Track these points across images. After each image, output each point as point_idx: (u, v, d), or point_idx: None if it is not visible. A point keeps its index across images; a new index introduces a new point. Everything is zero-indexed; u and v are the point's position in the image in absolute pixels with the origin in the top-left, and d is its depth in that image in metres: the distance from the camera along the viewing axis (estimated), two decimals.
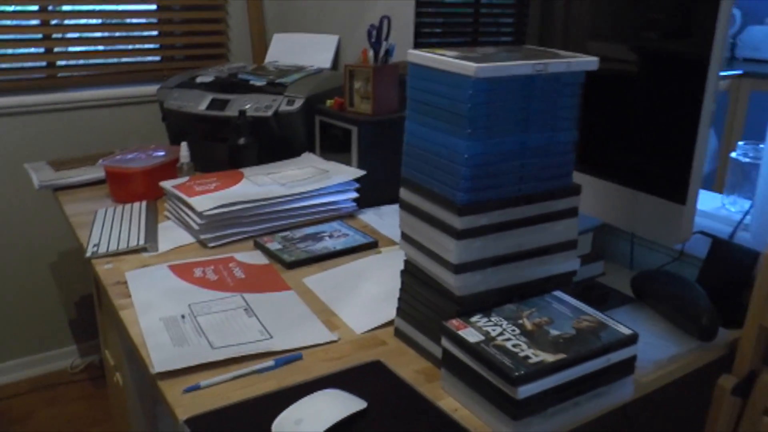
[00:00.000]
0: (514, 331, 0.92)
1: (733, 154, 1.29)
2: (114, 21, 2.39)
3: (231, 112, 1.79)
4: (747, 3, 3.09)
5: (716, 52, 0.97)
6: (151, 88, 2.38)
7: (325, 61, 2.19)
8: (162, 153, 1.80)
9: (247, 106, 1.78)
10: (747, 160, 1.27)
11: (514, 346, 0.88)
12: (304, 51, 2.26)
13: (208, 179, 1.57)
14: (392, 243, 1.44)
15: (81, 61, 2.38)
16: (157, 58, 2.50)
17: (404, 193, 1.04)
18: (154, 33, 2.48)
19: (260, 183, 1.55)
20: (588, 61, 0.95)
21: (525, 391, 0.83)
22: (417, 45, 1.51)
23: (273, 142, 1.79)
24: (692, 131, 1.00)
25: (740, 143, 1.29)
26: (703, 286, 1.19)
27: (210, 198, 1.44)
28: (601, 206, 1.16)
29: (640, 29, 1.08)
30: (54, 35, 2.30)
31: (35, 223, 2.36)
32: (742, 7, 3.12)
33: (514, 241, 0.97)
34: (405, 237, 1.05)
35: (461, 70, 0.88)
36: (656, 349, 1.09)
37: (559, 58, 0.93)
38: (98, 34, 2.39)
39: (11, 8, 2.20)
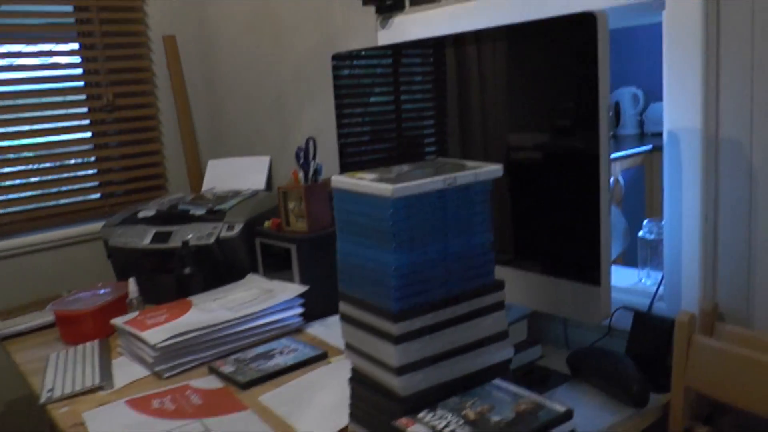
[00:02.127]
0: (458, 422, 0.99)
1: (640, 233, 1.42)
2: (52, 164, 2.46)
3: (174, 243, 1.86)
4: (647, 83, 3.35)
5: (603, 145, 1.09)
6: (94, 226, 2.43)
7: (259, 182, 2.30)
8: (110, 290, 1.84)
9: (189, 236, 1.86)
10: (652, 236, 1.39)
11: None
12: (239, 174, 2.37)
13: (158, 312, 1.62)
14: (340, 352, 1.50)
15: (21, 207, 2.43)
16: (97, 196, 2.57)
17: (343, 307, 1.11)
18: (93, 171, 2.56)
19: (208, 309, 1.61)
20: (493, 170, 1.06)
21: None
22: (343, 163, 1.62)
23: (217, 268, 1.86)
24: (595, 218, 1.12)
25: (645, 222, 1.42)
26: (632, 356, 1.28)
27: (161, 330, 1.49)
28: (529, 295, 1.26)
29: (541, 126, 1.21)
30: None
31: None
32: (644, 87, 3.38)
33: (448, 339, 1.05)
34: (349, 347, 1.12)
35: (380, 192, 0.98)
36: (596, 420, 1.17)
37: (466, 170, 1.04)
38: (36, 179, 2.45)
39: None
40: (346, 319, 1.11)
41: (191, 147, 2.68)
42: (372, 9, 1.84)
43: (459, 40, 1.33)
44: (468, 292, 1.07)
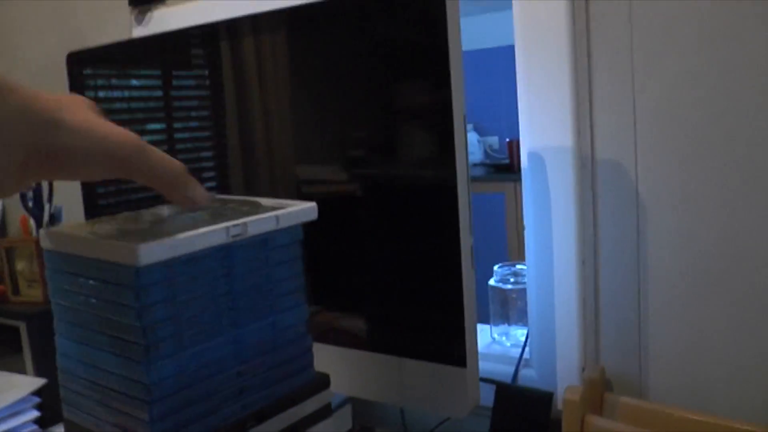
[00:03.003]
0: None
1: (492, 281, 1.11)
2: None
3: None
4: None
5: (461, 170, 0.76)
6: None
7: None
8: None
9: None
10: (508, 286, 1.09)
11: None
12: None
13: None
14: None
15: None
16: None
17: None
18: None
19: None
20: (303, 211, 0.68)
21: None
22: (88, 206, 1.17)
23: None
24: (454, 270, 0.78)
25: (496, 268, 1.11)
26: None
27: None
28: (357, 381, 0.89)
29: (371, 146, 0.85)
30: None
31: None
32: None
33: None
34: None
35: (119, 256, 0.56)
36: None
37: (262, 212, 0.66)
38: None
39: None
40: None
41: None
42: (124, 3, 1.41)
43: (234, 27, 0.95)
44: (277, 401, 0.68)
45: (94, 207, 1.18)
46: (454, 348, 0.79)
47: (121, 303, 0.57)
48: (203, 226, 0.60)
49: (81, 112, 0.49)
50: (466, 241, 0.78)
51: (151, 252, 0.55)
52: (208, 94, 1.02)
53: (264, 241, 0.65)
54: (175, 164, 0.53)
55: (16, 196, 1.69)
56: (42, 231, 0.65)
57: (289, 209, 0.67)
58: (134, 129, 0.51)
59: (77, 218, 1.33)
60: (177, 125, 1.08)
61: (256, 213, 0.66)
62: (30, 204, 1.23)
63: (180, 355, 0.59)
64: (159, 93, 1.11)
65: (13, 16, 1.74)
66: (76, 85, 1.16)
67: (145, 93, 1.14)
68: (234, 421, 0.64)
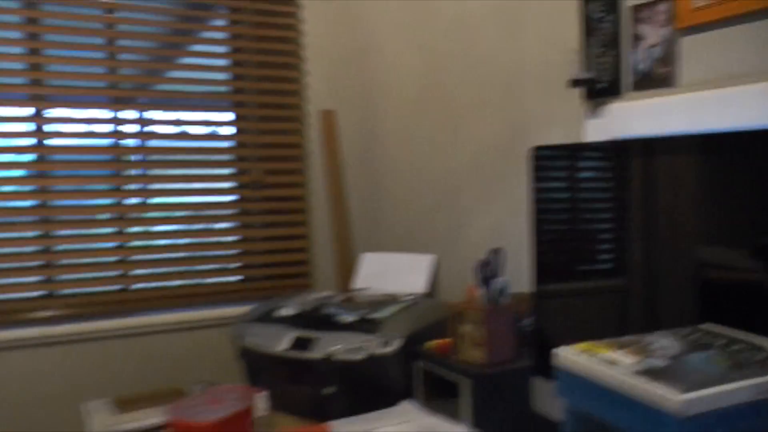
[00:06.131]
0: None
1: None
2: (196, 240, 2.26)
3: (316, 353, 1.57)
4: None
5: None
6: (230, 310, 2.19)
7: (418, 284, 1.97)
8: (236, 397, 1.55)
9: (334, 348, 1.56)
10: None
11: None
12: (395, 273, 2.06)
13: None
14: None
15: (160, 284, 2.23)
16: (239, 278, 2.34)
17: None
18: (236, 251, 2.34)
19: None
20: None
21: None
22: (540, 287, 1.27)
23: (365, 389, 1.54)
24: None
25: None
26: None
27: None
28: None
29: None
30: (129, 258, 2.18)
31: None
32: None
33: None
34: None
35: (655, 398, 0.62)
36: None
37: None
38: (179, 255, 2.26)
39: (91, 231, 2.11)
40: None
41: (342, 235, 2.40)
42: (575, 94, 1.51)
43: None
44: None
45: (541, 279, 1.28)
46: None
47: None
48: (735, 382, 0.62)
49: None
50: None
51: (694, 402, 0.59)
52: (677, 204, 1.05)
53: None
54: None
55: (454, 257, 1.88)
56: (561, 352, 0.73)
57: None
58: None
59: (521, 288, 1.45)
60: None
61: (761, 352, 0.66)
62: (481, 276, 1.37)
63: None
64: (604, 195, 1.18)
65: (460, 99, 1.96)
66: (542, 173, 1.27)
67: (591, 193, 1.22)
68: None
